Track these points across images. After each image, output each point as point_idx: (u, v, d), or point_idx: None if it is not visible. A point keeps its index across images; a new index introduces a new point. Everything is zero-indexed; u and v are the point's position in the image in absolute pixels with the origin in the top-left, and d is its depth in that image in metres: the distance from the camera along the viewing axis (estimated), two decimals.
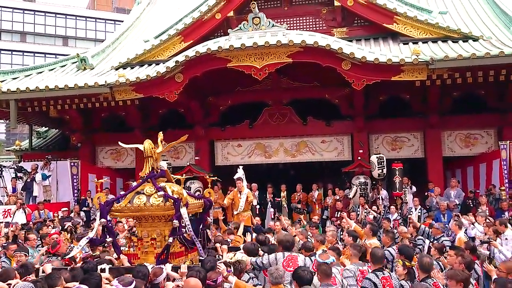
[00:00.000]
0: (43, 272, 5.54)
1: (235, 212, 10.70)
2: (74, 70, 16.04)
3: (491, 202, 11.51)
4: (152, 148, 6.53)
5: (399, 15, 13.97)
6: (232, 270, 5.51)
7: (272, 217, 13.37)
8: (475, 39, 13.30)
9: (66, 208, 13.44)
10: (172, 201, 6.04)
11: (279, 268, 5.25)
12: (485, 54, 11.21)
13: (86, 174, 14.86)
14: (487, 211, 10.85)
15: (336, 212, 12.21)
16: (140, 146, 6.62)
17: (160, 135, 6.90)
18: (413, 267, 5.68)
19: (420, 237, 9.09)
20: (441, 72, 11.54)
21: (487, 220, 9.46)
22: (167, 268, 5.35)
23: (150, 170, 6.50)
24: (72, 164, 14.47)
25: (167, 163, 13.28)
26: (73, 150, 16.89)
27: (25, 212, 12.32)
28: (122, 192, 6.69)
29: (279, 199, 13.97)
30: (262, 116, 14.82)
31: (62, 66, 16.50)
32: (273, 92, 14.50)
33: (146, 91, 12.70)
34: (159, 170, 6.48)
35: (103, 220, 6.15)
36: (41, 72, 16.00)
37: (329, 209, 13.14)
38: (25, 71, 15.97)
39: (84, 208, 13.66)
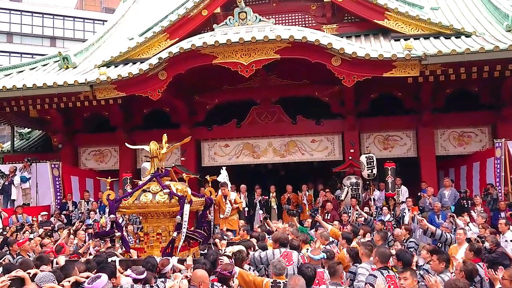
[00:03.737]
0: (57, 264, 6.11)
1: (221, 216, 10.31)
2: (56, 69, 15.57)
3: (488, 203, 11.15)
4: (157, 149, 7.01)
5: (390, 10, 13.66)
6: (233, 261, 5.82)
7: (261, 219, 12.97)
8: (468, 35, 13.02)
9: (46, 212, 12.91)
10: (177, 198, 6.54)
11: (281, 260, 5.67)
12: (480, 49, 10.90)
13: (68, 176, 14.39)
14: (482, 211, 10.53)
15: (326, 214, 11.81)
16: (146, 147, 7.12)
17: (165, 137, 7.33)
18: None
19: (412, 239, 8.77)
20: (434, 68, 11.21)
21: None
22: (174, 260, 5.85)
23: (155, 169, 6.99)
24: (53, 166, 13.94)
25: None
26: (58, 152, 16.36)
27: (0, 216, 11.78)
28: (130, 190, 7.58)
29: (267, 198, 13.57)
30: (250, 115, 14.39)
31: (43, 65, 16.04)
32: (261, 90, 14.07)
33: (128, 90, 12.25)
34: (163, 170, 6.96)
35: (112, 216, 6.75)
36: (21, 71, 15.59)
37: (319, 210, 12.73)
38: (5, 70, 15.55)
39: (64, 212, 13.14)
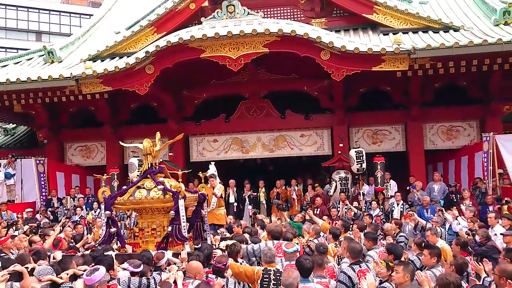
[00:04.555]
0: (54, 258, 6.17)
1: (207, 210, 10.16)
2: (41, 63, 15.28)
3: (477, 196, 11.16)
4: (150, 147, 7.12)
5: (379, 4, 13.60)
6: (227, 253, 5.91)
7: (250, 214, 12.88)
8: (456, 29, 13.00)
9: (31, 209, 12.65)
10: (171, 194, 6.67)
11: (272, 248, 5.84)
12: (468, 43, 10.90)
13: (54, 173, 14.12)
14: (470, 204, 10.54)
15: (316, 209, 11.74)
16: (140, 145, 7.22)
17: (158, 135, 7.47)
18: None
19: (401, 234, 8.74)
20: (423, 61, 11.20)
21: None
22: (169, 254, 5.98)
23: (149, 166, 7.12)
24: (38, 162, 13.67)
25: (138, 159, 12.73)
26: (43, 148, 16.06)
27: None
28: (124, 187, 7.35)
29: (256, 193, 13.45)
30: (238, 109, 14.29)
31: (28, 60, 15.74)
32: (250, 84, 13.96)
33: (114, 84, 12.07)
34: (157, 167, 7.11)
35: (107, 212, 6.83)
36: (6, 66, 15.30)
37: (308, 205, 12.68)
38: None
39: (50, 209, 12.90)
